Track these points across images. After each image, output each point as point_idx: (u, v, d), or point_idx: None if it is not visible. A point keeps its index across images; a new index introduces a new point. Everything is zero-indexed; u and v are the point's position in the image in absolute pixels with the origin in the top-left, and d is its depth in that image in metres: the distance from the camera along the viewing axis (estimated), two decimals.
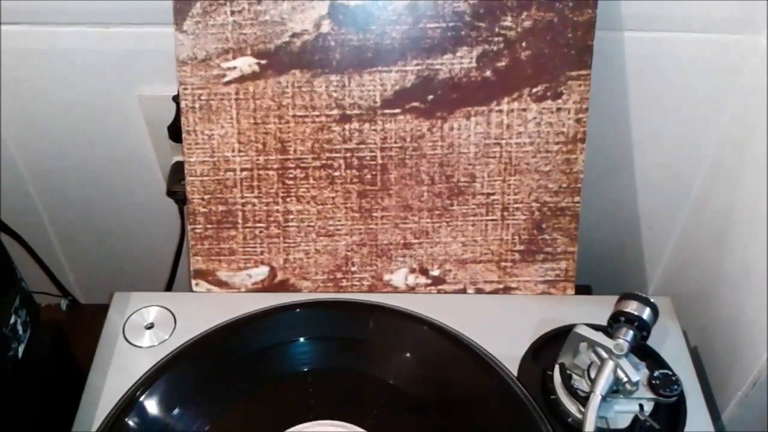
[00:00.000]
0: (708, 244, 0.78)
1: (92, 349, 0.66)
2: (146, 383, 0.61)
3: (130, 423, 0.59)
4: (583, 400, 0.59)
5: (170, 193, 0.78)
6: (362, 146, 0.67)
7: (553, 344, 0.66)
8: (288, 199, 0.69)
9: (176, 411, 0.60)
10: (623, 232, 0.87)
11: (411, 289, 0.71)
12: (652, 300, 0.62)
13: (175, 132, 0.74)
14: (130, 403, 0.60)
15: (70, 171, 0.81)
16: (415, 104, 0.66)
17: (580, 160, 0.68)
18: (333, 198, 0.69)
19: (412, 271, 0.71)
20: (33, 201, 0.83)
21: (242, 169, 0.68)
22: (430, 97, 0.66)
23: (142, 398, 0.60)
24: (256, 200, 0.69)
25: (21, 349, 0.59)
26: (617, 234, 0.87)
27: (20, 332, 0.59)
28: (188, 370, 0.63)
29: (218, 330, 0.65)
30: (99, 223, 0.85)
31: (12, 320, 0.58)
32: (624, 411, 0.60)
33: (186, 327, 0.67)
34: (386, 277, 0.71)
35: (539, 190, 0.69)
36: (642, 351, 0.65)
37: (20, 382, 0.59)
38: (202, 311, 0.68)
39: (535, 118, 0.67)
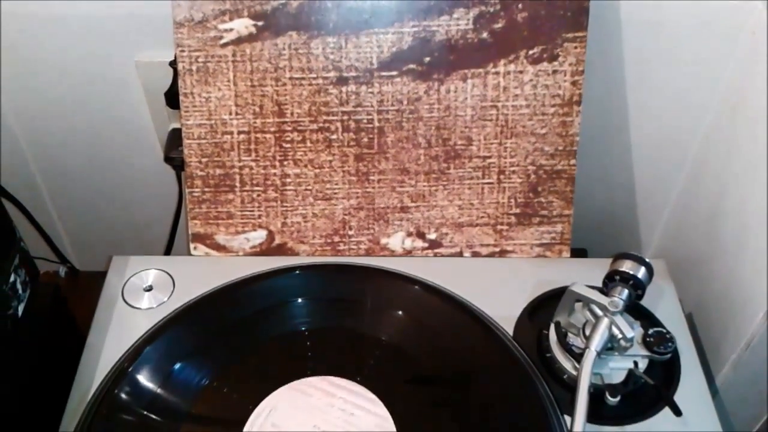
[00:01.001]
0: (704, 210, 0.78)
1: (91, 314, 0.66)
2: (152, 337, 0.62)
3: (136, 375, 0.60)
4: (578, 357, 0.60)
5: (167, 159, 0.78)
6: (359, 109, 0.68)
7: (548, 305, 0.67)
8: (285, 163, 0.69)
9: (179, 365, 0.61)
10: (619, 198, 0.87)
11: (408, 253, 0.72)
12: (647, 260, 0.63)
13: (172, 98, 0.74)
14: (135, 355, 0.61)
15: (68, 138, 0.81)
16: (412, 66, 0.67)
17: (576, 122, 0.68)
18: (330, 161, 0.69)
19: (409, 234, 0.72)
20: (30, 169, 0.83)
21: (239, 132, 0.68)
22: (427, 59, 0.66)
23: (146, 351, 0.61)
24: (253, 163, 0.69)
25: (21, 308, 0.60)
26: (613, 200, 0.87)
27: (20, 291, 0.60)
28: (192, 326, 0.64)
29: (223, 289, 0.66)
30: (96, 191, 0.86)
31: (12, 279, 0.58)
32: (619, 368, 0.61)
33: (184, 290, 0.68)
34: (383, 240, 0.72)
35: (535, 152, 0.69)
36: (637, 312, 0.66)
37: (20, 340, 0.59)
38: (200, 274, 0.69)
39: (531, 80, 0.67)
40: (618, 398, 0.59)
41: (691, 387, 0.62)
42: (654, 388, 0.60)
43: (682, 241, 0.83)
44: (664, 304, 0.69)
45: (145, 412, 0.58)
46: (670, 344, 0.61)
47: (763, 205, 0.65)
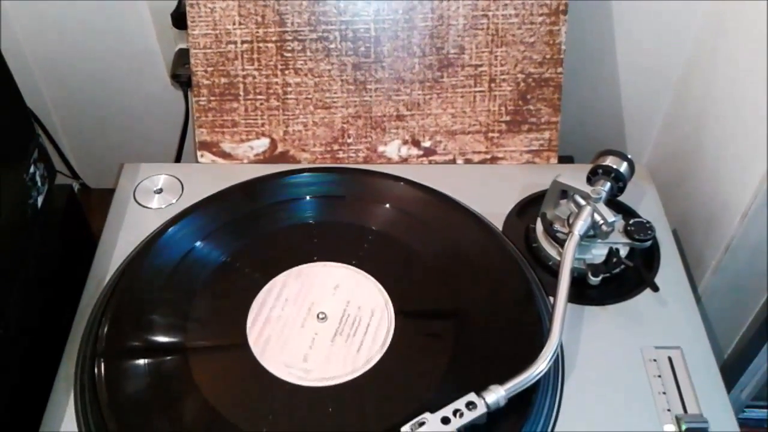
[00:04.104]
0: (688, 132, 0.82)
1: (103, 226, 0.70)
2: (174, 220, 0.67)
3: (154, 255, 0.65)
4: (562, 242, 0.63)
5: (174, 77, 0.82)
6: (356, 18, 0.71)
7: (536, 205, 0.70)
8: (286, 72, 0.73)
9: (198, 243, 0.65)
10: (606, 124, 0.91)
11: (404, 161, 0.76)
12: (629, 156, 0.67)
13: (178, 19, 0.77)
14: (157, 236, 0.66)
15: (75, 60, 0.84)
16: None
17: (562, 31, 0.72)
18: (329, 70, 0.73)
19: (405, 142, 0.75)
20: (40, 90, 0.86)
21: (243, 42, 0.72)
22: None
23: (170, 231, 0.66)
24: (256, 72, 0.73)
25: (40, 200, 0.64)
26: (600, 127, 0.91)
27: (39, 184, 0.63)
28: (211, 213, 0.68)
29: (243, 184, 0.71)
30: (104, 113, 0.89)
31: (32, 170, 0.62)
32: (601, 254, 0.65)
33: (193, 193, 0.72)
34: (380, 148, 0.75)
35: (524, 61, 0.73)
36: (619, 208, 0.69)
37: (38, 230, 0.63)
38: (208, 179, 0.72)
39: None
40: (600, 278, 0.63)
41: (669, 273, 0.66)
42: (634, 269, 0.64)
43: (668, 165, 0.87)
44: (646, 203, 0.72)
45: (162, 289, 0.62)
46: (649, 232, 0.65)
47: (745, 118, 0.69)
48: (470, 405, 0.51)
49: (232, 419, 0.54)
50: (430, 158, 0.76)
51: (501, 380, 0.53)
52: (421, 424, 0.50)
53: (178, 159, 0.87)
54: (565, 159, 0.78)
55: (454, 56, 0.72)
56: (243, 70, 0.72)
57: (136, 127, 0.90)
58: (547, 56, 0.73)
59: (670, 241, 0.69)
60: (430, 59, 0.73)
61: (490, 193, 0.72)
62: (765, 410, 0.81)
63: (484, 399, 0.51)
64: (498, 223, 0.70)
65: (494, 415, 0.52)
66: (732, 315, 0.76)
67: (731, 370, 0.78)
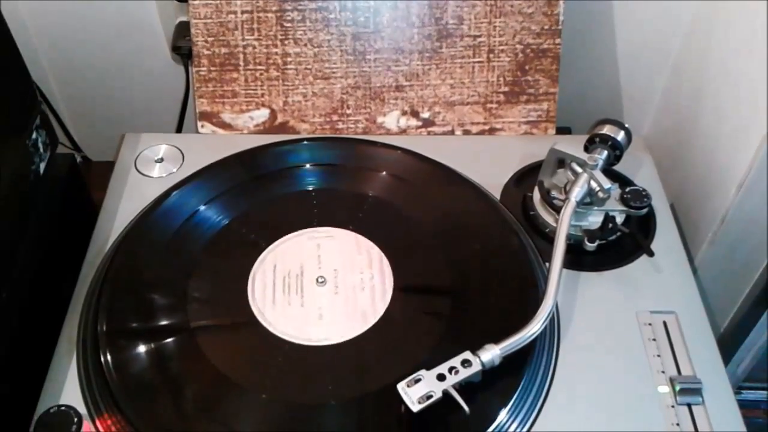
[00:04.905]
0: (686, 106, 0.82)
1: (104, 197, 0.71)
2: (177, 186, 0.68)
3: (161, 214, 0.66)
4: (559, 209, 0.64)
5: (175, 49, 0.82)
6: None
7: (533, 175, 0.71)
8: (286, 42, 0.73)
9: (202, 207, 0.66)
10: (604, 99, 0.91)
11: (403, 132, 0.76)
12: (626, 125, 0.67)
13: None
14: (160, 200, 0.67)
15: (77, 34, 0.84)
16: None
17: (560, 2, 0.72)
18: (329, 41, 0.73)
19: (404, 113, 0.76)
20: (41, 63, 0.87)
21: (243, 12, 0.72)
22: None
23: (174, 194, 0.67)
24: (256, 42, 0.73)
25: (42, 166, 0.64)
26: (599, 101, 0.91)
27: (41, 150, 0.64)
28: (216, 178, 0.69)
29: (246, 152, 0.72)
30: (104, 87, 0.89)
31: (34, 136, 0.63)
32: (597, 222, 0.65)
33: (194, 162, 0.72)
34: (379, 119, 0.76)
35: (523, 32, 0.73)
36: (615, 177, 0.70)
37: (41, 197, 0.64)
38: (208, 149, 0.73)
39: None
40: (596, 244, 0.63)
41: (665, 241, 0.67)
42: (630, 236, 0.65)
43: (666, 138, 0.87)
44: (643, 174, 0.73)
45: (164, 252, 0.63)
46: (646, 199, 0.65)
47: (737, 92, 0.69)
48: (465, 363, 0.52)
49: (232, 377, 0.55)
50: (429, 129, 0.76)
51: (497, 342, 0.54)
52: (417, 380, 0.51)
53: (179, 131, 0.88)
54: (563, 130, 0.79)
55: (453, 27, 0.73)
56: (243, 40, 0.73)
57: (138, 102, 0.91)
58: (546, 27, 0.73)
59: (666, 211, 0.70)
60: (429, 30, 0.73)
61: (488, 164, 0.73)
62: (762, 391, 0.82)
63: (479, 357, 0.52)
64: (496, 193, 0.71)
65: (491, 374, 0.53)
66: (728, 288, 0.76)
67: (727, 345, 0.78)
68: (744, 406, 0.81)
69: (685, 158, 0.80)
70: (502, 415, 0.53)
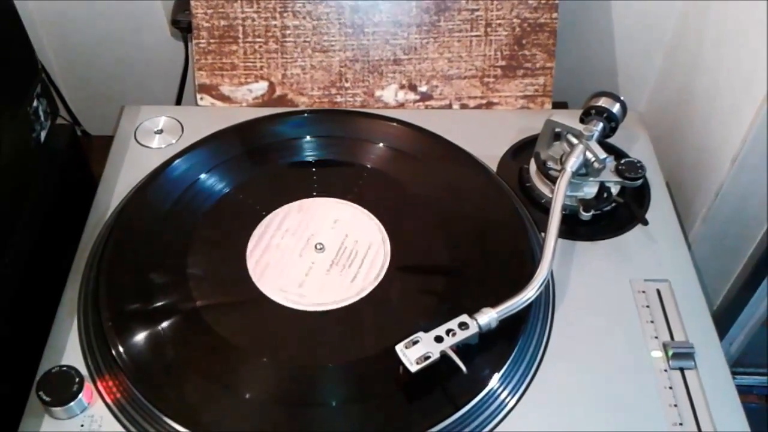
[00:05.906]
0: (681, 83, 0.83)
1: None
2: (180, 153, 0.69)
3: (162, 182, 0.66)
4: (555, 180, 0.64)
5: (174, 23, 0.82)
6: None
7: (529, 148, 0.71)
8: (285, 14, 0.74)
9: (203, 175, 0.67)
10: (602, 75, 0.92)
11: (400, 105, 0.77)
12: (621, 98, 0.68)
13: None
14: (161, 168, 0.67)
15: (77, 9, 0.85)
16: None
17: None
18: (327, 13, 0.74)
19: (402, 87, 0.76)
20: (41, 39, 0.87)
21: None
22: None
23: (176, 162, 0.68)
24: (255, 15, 0.73)
25: (43, 134, 0.65)
26: (595, 77, 0.92)
27: (42, 119, 0.64)
28: (213, 150, 0.70)
29: (248, 122, 0.72)
30: (104, 61, 0.90)
31: (35, 104, 0.63)
32: (592, 192, 0.66)
33: (193, 133, 0.73)
34: (377, 93, 0.76)
35: (520, 6, 0.74)
36: (611, 150, 0.70)
37: (41, 166, 0.64)
38: (207, 121, 0.73)
39: None
40: (590, 213, 0.64)
41: (659, 212, 0.68)
42: (624, 207, 0.65)
43: (661, 115, 0.88)
44: (638, 148, 0.74)
45: (165, 219, 0.64)
46: (640, 170, 0.66)
47: (732, 69, 0.70)
48: (463, 325, 0.53)
49: (226, 336, 0.56)
50: (427, 103, 0.77)
51: (494, 306, 0.55)
52: (416, 342, 0.52)
53: (178, 103, 0.88)
54: (559, 105, 0.80)
55: (451, 0, 0.73)
56: (242, 12, 0.73)
57: (137, 77, 0.91)
58: (543, 1, 0.73)
59: (661, 184, 0.70)
60: (427, 3, 0.73)
61: (485, 137, 0.73)
62: (756, 377, 0.83)
63: (476, 320, 0.53)
64: (493, 165, 0.71)
65: (488, 338, 0.54)
66: (722, 265, 0.77)
67: (721, 321, 0.79)
68: (737, 391, 0.83)
69: (681, 135, 0.81)
70: (495, 380, 0.54)
